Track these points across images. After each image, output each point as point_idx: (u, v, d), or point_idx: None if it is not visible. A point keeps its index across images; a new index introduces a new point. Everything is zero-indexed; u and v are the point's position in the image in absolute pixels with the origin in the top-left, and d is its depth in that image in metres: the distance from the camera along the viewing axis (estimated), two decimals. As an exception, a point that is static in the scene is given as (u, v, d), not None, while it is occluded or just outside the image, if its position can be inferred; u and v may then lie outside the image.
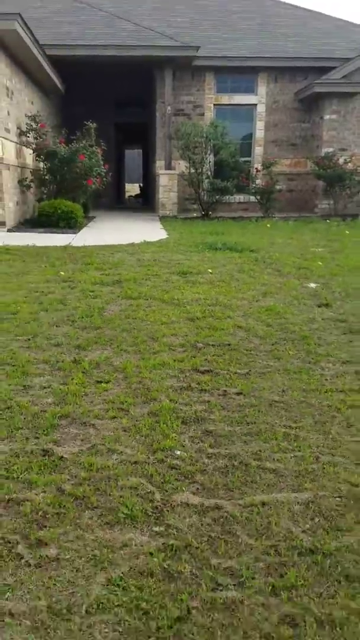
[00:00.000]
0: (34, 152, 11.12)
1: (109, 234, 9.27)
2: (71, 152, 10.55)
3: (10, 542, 1.96)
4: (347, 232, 10.13)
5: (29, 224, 10.48)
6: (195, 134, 12.74)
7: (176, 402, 3.06)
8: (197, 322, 4.47)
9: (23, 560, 1.88)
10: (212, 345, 3.96)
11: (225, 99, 14.40)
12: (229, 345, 3.97)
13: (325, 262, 6.92)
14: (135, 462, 2.47)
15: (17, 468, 2.40)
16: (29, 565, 1.86)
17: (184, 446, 2.62)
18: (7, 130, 9.62)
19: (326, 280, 5.93)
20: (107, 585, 1.77)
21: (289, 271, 6.37)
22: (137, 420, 2.85)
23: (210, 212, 13.58)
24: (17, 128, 10.43)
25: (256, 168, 13.91)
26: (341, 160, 12.93)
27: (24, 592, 1.75)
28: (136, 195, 26.55)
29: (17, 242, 8.01)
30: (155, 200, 14.80)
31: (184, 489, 2.29)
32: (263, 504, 2.19)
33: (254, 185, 13.55)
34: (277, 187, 13.67)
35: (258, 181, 13.64)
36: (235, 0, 17.26)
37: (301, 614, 1.67)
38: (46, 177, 11.09)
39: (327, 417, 2.94)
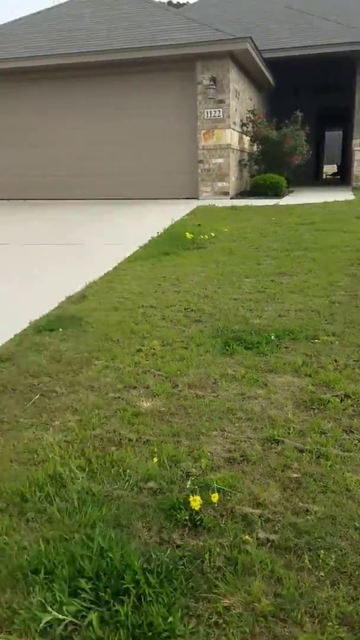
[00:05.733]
0: (250, 138, 14.18)
1: (306, 198, 11.91)
2: (280, 136, 13.38)
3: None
4: None
5: (244, 194, 13.60)
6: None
7: (342, 267, 5.75)
8: (362, 241, 7.01)
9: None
10: (370, 251, 6.51)
11: None
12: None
13: None
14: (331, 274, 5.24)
15: (245, 270, 5.35)
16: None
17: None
18: (234, 123, 12.82)
19: None
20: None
21: None
22: (318, 272, 5.61)
23: None
24: (240, 120, 13.57)
25: None
26: None
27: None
28: (333, 174, 28.52)
29: (239, 204, 11.14)
30: (350, 174, 16.88)
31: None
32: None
33: None
34: None
35: None
36: None
37: None
38: (259, 157, 14.10)
39: None
